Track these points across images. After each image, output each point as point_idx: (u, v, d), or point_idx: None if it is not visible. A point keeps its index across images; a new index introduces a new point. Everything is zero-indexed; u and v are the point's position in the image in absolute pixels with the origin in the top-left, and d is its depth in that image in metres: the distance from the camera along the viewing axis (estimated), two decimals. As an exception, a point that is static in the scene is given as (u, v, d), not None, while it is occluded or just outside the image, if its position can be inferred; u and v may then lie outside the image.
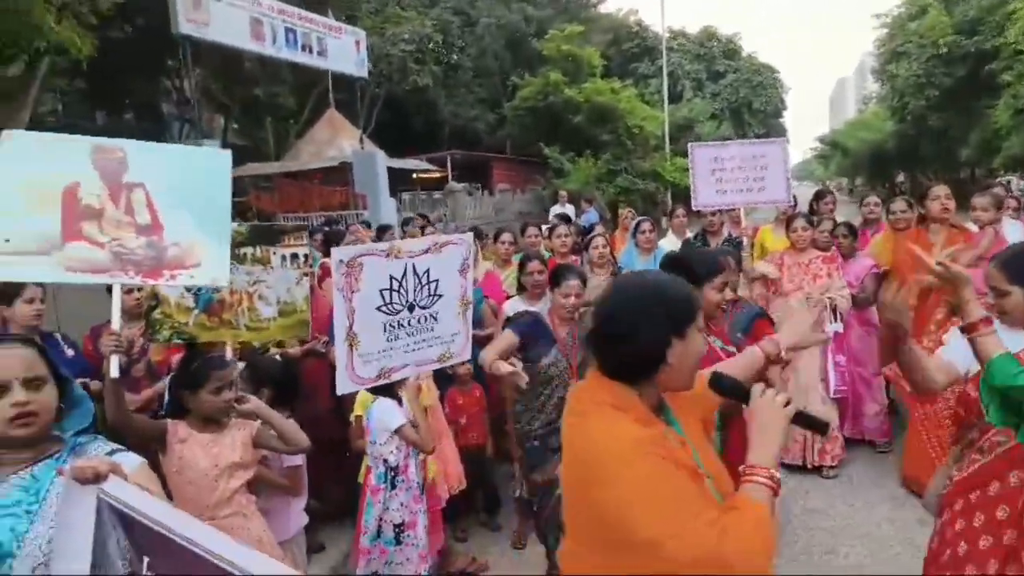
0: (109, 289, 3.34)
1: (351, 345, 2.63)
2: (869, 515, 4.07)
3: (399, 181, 17.78)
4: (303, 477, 3.02)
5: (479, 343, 4.28)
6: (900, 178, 36.85)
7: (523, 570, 3.75)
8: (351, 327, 2.61)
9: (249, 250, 3.58)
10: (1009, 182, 20.21)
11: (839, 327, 4.67)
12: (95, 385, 3.02)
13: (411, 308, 2.75)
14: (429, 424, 3.12)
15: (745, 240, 5.26)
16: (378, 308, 2.66)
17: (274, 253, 3.75)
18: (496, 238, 5.56)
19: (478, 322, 4.35)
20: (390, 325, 2.71)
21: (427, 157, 21.21)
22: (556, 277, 3.45)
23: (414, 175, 20.60)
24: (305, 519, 3.04)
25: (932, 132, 28.62)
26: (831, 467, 4.62)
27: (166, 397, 3.28)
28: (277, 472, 2.93)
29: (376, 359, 2.72)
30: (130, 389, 3.44)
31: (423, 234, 7.32)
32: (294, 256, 3.90)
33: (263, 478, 2.81)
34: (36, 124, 11.31)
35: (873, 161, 39.20)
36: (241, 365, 3.12)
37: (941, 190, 4.46)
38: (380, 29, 20.46)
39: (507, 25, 25.62)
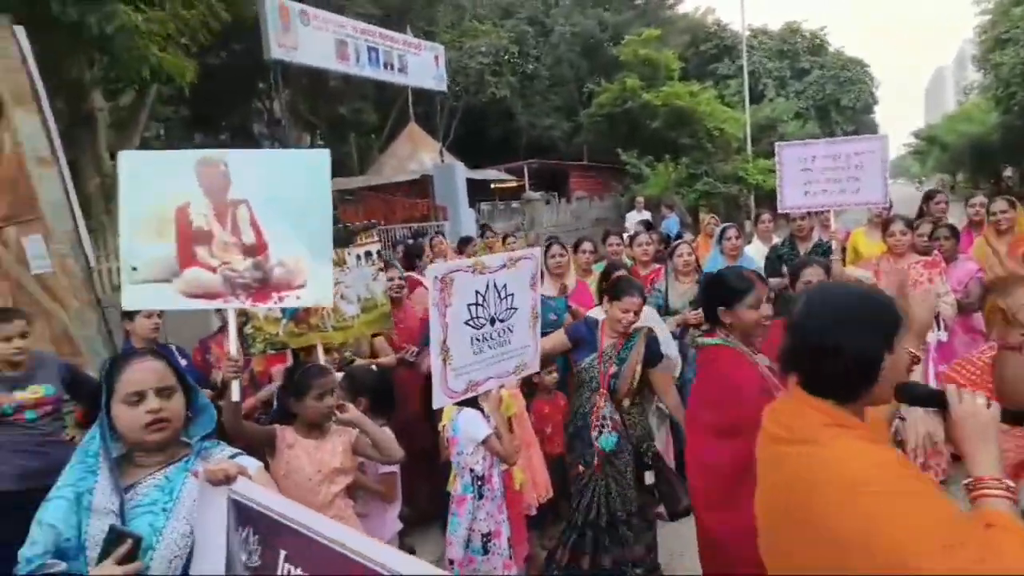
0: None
1: (444, 360, 2.69)
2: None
3: (477, 192, 18.05)
4: (397, 484, 3.12)
5: (565, 330, 4.33)
6: (1007, 172, 34.27)
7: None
8: (444, 341, 2.66)
9: None
10: None
11: (943, 335, 4.41)
12: (207, 394, 3.23)
13: (492, 322, 2.82)
14: (512, 435, 3.15)
15: (835, 244, 5.04)
16: (466, 322, 2.72)
17: (349, 253, 3.91)
18: (576, 247, 5.56)
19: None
20: (476, 339, 2.77)
21: (504, 167, 21.43)
22: (616, 291, 3.41)
23: (492, 185, 20.86)
24: (399, 525, 3.14)
25: (1043, 123, 26.51)
26: (940, 482, 4.35)
27: (275, 404, 3.49)
28: (372, 478, 3.04)
29: (465, 372, 2.78)
30: (236, 398, 3.65)
31: (504, 244, 7.41)
32: (367, 254, 4.06)
33: (360, 484, 2.93)
34: (143, 148, 12.17)
35: (975, 156, 36.61)
36: (339, 375, 3.25)
37: None
38: (457, 43, 20.88)
39: (582, 32, 25.58)
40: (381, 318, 3.96)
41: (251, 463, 1.86)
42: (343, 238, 3.80)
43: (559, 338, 3.50)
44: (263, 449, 2.60)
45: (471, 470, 3.12)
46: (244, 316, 3.64)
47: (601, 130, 22.82)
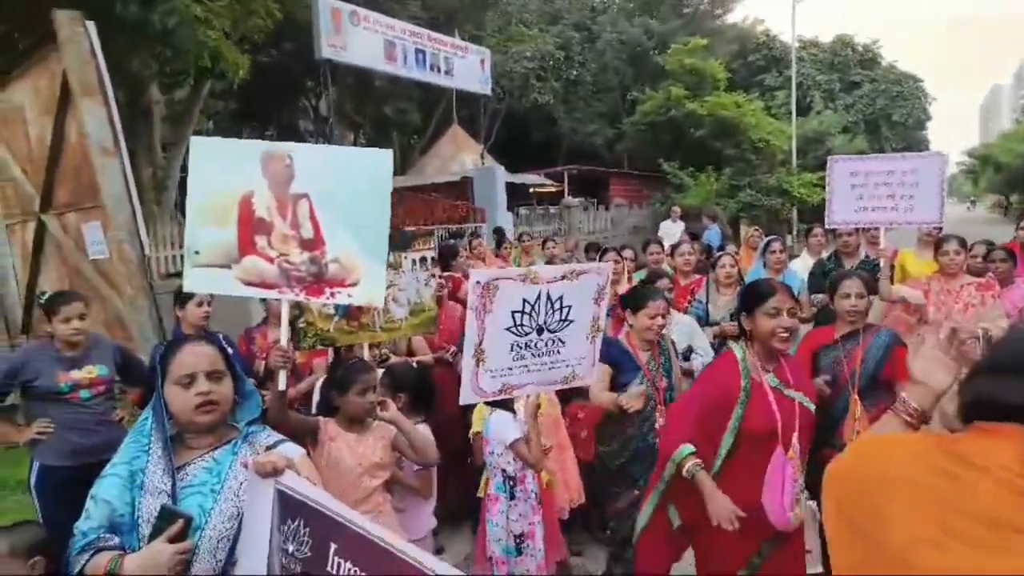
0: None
1: (478, 360, 2.70)
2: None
3: (516, 195, 18.10)
4: (433, 481, 3.16)
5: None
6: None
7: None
8: (480, 343, 2.67)
9: None
10: None
11: (996, 361, 4.27)
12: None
13: (540, 331, 2.78)
14: (540, 442, 3.14)
15: (884, 262, 4.93)
16: (507, 329, 2.71)
17: (405, 257, 3.97)
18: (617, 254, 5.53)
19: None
20: (517, 345, 2.76)
21: (544, 172, 21.43)
22: (638, 300, 3.35)
23: (531, 189, 20.89)
24: (434, 522, 3.17)
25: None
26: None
27: (314, 397, 3.56)
28: (409, 475, 3.08)
29: (500, 375, 2.78)
30: (278, 388, 3.74)
31: (543, 248, 7.44)
32: (422, 260, 4.12)
33: (397, 479, 2.97)
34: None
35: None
36: (379, 371, 3.30)
37: None
38: (504, 47, 20.98)
39: (629, 40, 25.46)
40: (427, 322, 4.02)
41: (295, 450, 1.92)
42: (401, 243, 3.85)
43: (603, 370, 3.24)
44: (305, 439, 2.65)
45: (503, 470, 3.15)
46: (298, 309, 3.71)
47: (644, 138, 22.68)
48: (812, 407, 2.63)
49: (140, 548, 1.64)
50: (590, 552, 4.17)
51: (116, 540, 1.66)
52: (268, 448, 1.85)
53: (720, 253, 5.31)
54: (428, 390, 3.36)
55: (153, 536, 1.62)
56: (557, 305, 2.78)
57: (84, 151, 4.00)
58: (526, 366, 2.81)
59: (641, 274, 5.48)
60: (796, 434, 2.50)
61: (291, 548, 1.58)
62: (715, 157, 20.78)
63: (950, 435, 1.21)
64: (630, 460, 3.28)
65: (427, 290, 3.98)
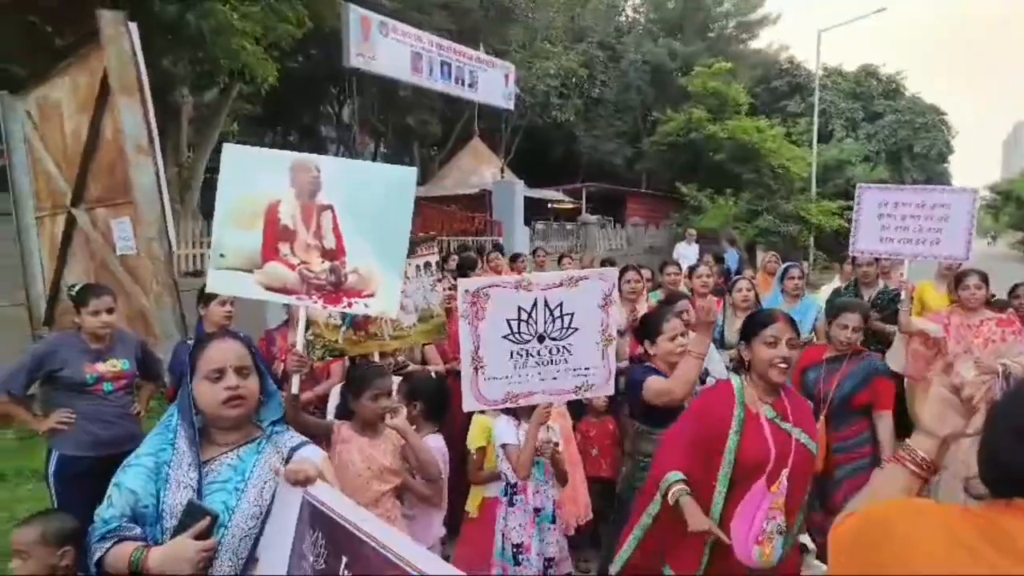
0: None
1: (476, 368, 2.73)
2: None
3: (534, 210, 18.18)
4: (443, 490, 3.17)
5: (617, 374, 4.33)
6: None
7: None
8: (476, 351, 2.70)
9: None
10: None
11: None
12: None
13: (541, 339, 2.78)
14: (530, 455, 3.14)
15: (904, 294, 4.90)
16: (504, 336, 2.73)
17: (409, 264, 3.98)
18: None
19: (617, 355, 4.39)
20: (517, 353, 2.76)
21: (563, 188, 21.53)
22: (652, 327, 3.27)
23: (549, 205, 20.97)
24: (443, 531, 3.18)
25: None
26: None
27: (330, 402, 3.59)
28: (421, 482, 3.10)
29: (502, 383, 2.79)
30: (294, 391, 3.78)
31: (560, 264, 7.48)
32: (427, 265, 4.15)
33: (408, 486, 2.99)
34: (221, 143, 12.71)
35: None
36: (397, 379, 3.33)
37: None
38: (528, 63, 21.15)
39: (652, 61, 25.61)
40: (436, 328, 4.04)
41: (316, 452, 1.94)
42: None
43: (658, 380, 3.13)
44: (318, 441, 2.69)
45: (505, 475, 3.15)
46: (305, 322, 3.76)
47: (663, 158, 22.75)
48: (813, 447, 2.49)
49: (162, 540, 1.66)
50: (597, 569, 4.15)
51: (138, 530, 1.67)
52: (292, 449, 1.87)
53: (737, 277, 5.31)
54: (444, 399, 3.38)
55: (178, 531, 1.64)
56: (557, 312, 2.77)
57: (119, 148, 4.10)
58: (530, 374, 2.80)
59: (657, 293, 5.50)
60: (787, 471, 2.37)
61: (311, 559, 1.60)
62: (734, 181, 20.78)
63: (980, 510, 1.05)
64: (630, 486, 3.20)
65: (433, 295, 4.01)
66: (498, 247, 10.07)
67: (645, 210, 23.62)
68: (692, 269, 5.52)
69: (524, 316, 2.73)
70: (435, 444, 3.06)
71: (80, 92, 4.63)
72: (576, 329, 2.82)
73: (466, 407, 2.81)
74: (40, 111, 5.36)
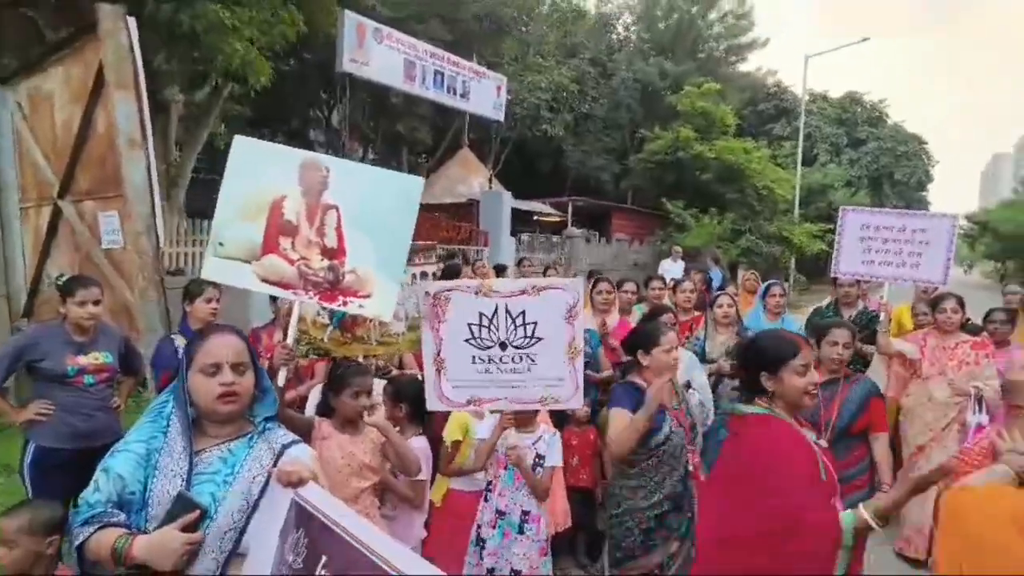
0: (273, 298, 3.66)
1: (438, 370, 2.76)
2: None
3: (520, 222, 18.25)
4: (425, 491, 3.18)
5: (596, 384, 4.37)
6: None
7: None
8: (438, 353, 2.74)
9: None
10: None
11: (983, 419, 4.31)
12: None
13: (503, 346, 2.78)
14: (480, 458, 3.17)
15: (884, 316, 5.00)
16: (466, 340, 2.74)
17: (405, 272, 4.00)
18: (619, 286, 5.62)
19: (594, 366, 4.43)
20: (479, 358, 2.77)
21: (550, 201, 21.64)
22: (649, 337, 3.20)
23: (535, 217, 21.07)
24: (424, 533, 3.18)
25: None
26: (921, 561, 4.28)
27: (310, 399, 3.60)
28: (403, 484, 3.11)
29: (464, 386, 2.81)
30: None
31: (544, 275, 7.52)
32: (423, 274, 4.16)
33: (390, 487, 3.00)
34: (209, 143, 12.64)
35: (1028, 246, 35.80)
36: (380, 383, 3.35)
37: None
38: (519, 76, 21.31)
39: (643, 79, 25.91)
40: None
41: (305, 450, 1.95)
42: None
43: (622, 418, 3.06)
44: (302, 438, 2.70)
45: (486, 471, 3.18)
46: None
47: (649, 176, 22.97)
48: None
49: (146, 527, 1.65)
50: (575, 578, 4.18)
51: (122, 516, 1.66)
52: (283, 446, 1.87)
53: (719, 293, 5.39)
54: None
55: (166, 521, 1.63)
56: (520, 320, 2.76)
57: (111, 142, 4.08)
58: (493, 380, 2.80)
59: (642, 307, 5.56)
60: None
61: (290, 559, 1.61)
62: (718, 200, 21.04)
63: None
64: (670, 510, 3.08)
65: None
66: (500, 269, 10.11)
67: (630, 226, 23.81)
68: (676, 284, 5.59)
69: (485, 322, 2.74)
70: (419, 445, 3.08)
71: (73, 84, 4.61)
72: (540, 339, 2.79)
73: (429, 406, 2.85)
74: (31, 102, 5.33)
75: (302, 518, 1.64)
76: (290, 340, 2.76)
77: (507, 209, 15.37)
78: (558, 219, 21.46)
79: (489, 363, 2.77)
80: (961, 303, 4.70)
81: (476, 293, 2.72)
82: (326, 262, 2.66)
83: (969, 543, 1.60)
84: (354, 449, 2.76)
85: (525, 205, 19.22)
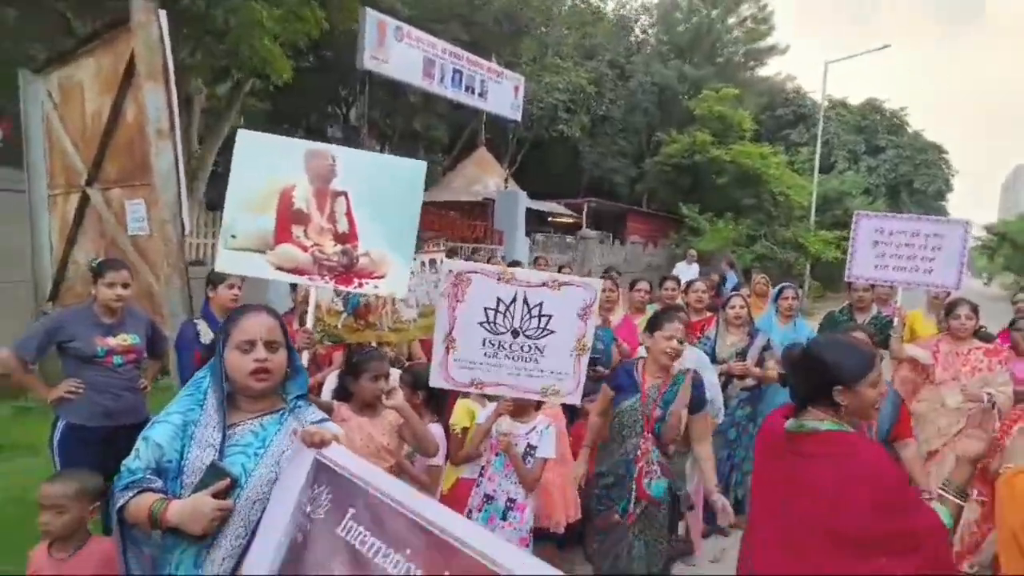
0: (293, 287, 3.73)
1: (448, 348, 2.85)
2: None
3: (534, 222, 18.31)
4: (441, 477, 3.26)
5: (600, 379, 4.43)
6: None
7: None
8: (450, 332, 2.82)
9: None
10: None
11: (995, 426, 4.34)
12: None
13: (515, 334, 2.86)
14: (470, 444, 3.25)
15: (897, 321, 5.02)
16: (480, 323, 2.83)
17: (415, 259, 4.08)
18: (632, 286, 5.68)
19: (606, 363, 4.49)
20: (490, 343, 2.85)
21: (564, 202, 21.68)
22: (657, 321, 3.30)
23: (550, 218, 21.12)
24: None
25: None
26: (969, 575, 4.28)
27: (325, 386, 3.68)
28: (419, 469, 3.18)
29: (470, 367, 2.89)
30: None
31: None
32: (432, 262, 4.25)
33: (405, 471, 3.07)
34: (229, 137, 12.82)
35: (1049, 259, 35.40)
36: (395, 372, 3.43)
37: None
38: (537, 76, 21.36)
39: (661, 82, 25.89)
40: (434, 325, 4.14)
41: (333, 428, 2.02)
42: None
43: (604, 393, 3.33)
44: None
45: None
46: (306, 304, 3.84)
47: (665, 179, 22.97)
48: None
49: (180, 494, 1.74)
50: (583, 570, 4.22)
51: (159, 483, 1.75)
52: (312, 424, 1.93)
53: (731, 294, 5.42)
54: (444, 392, 3.48)
55: (198, 488, 1.72)
56: (536, 312, 2.84)
57: (140, 131, 4.19)
58: (499, 365, 2.88)
59: (654, 306, 5.61)
60: None
61: (308, 510, 1.69)
62: (734, 205, 20.99)
63: None
64: (612, 484, 3.22)
65: (436, 293, 4.10)
66: (515, 264, 10.17)
67: (645, 229, 23.79)
68: (688, 285, 5.64)
69: (502, 308, 2.83)
70: (435, 432, 3.15)
71: (104, 74, 4.73)
72: (552, 332, 2.87)
73: (432, 382, 2.94)
74: (61, 91, 5.46)
75: (325, 475, 1.72)
76: (309, 324, 2.86)
77: (522, 209, 15.43)
78: (572, 220, 21.49)
79: (499, 348, 2.85)
80: (975, 309, 4.70)
81: (498, 279, 2.80)
82: (339, 247, 2.77)
83: None
84: (372, 431, 2.83)
85: (540, 205, 19.27)
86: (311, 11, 10.02)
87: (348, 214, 2.86)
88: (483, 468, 3.23)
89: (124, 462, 1.78)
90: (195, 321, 3.83)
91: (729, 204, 20.95)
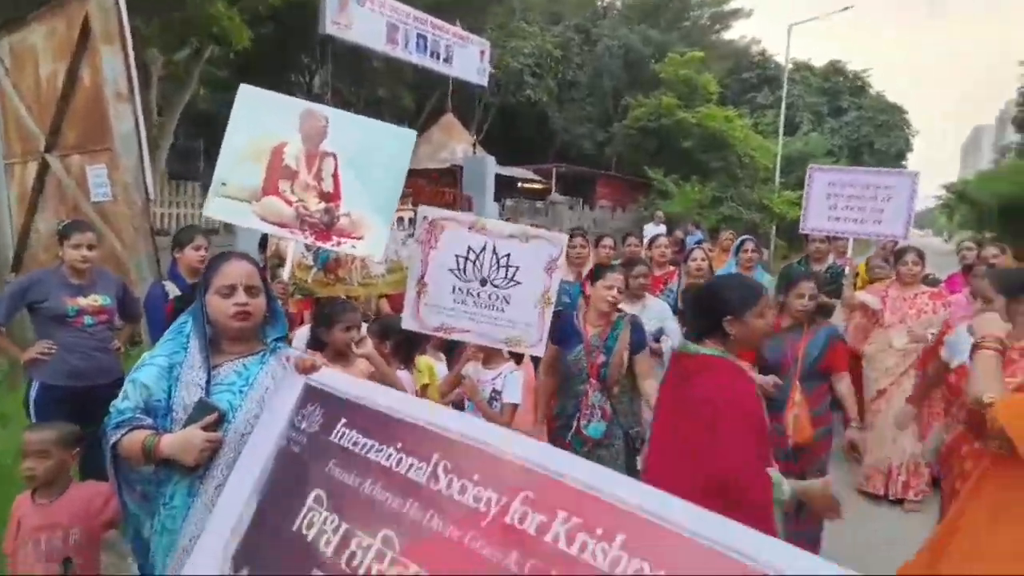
0: (262, 248, 3.79)
1: (419, 292, 2.96)
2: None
3: (504, 188, 18.33)
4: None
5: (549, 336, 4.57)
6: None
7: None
8: (422, 277, 2.94)
9: None
10: None
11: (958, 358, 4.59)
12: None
13: (483, 283, 2.96)
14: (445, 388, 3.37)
15: (848, 270, 5.24)
16: (451, 270, 2.94)
17: None
18: (598, 242, 5.82)
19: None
20: (459, 288, 2.97)
21: (533, 168, 21.69)
22: (597, 273, 3.43)
23: (519, 184, 21.14)
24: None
25: (1075, 189, 26.38)
26: (914, 501, 4.57)
27: (295, 342, 3.76)
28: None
29: (440, 312, 3.00)
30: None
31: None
32: (400, 220, 4.33)
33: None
34: (191, 105, 12.56)
35: (1004, 215, 36.41)
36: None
37: None
38: (503, 41, 21.17)
39: (627, 46, 25.83)
40: (402, 280, 4.22)
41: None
42: None
43: (548, 353, 3.32)
44: None
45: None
46: (278, 259, 3.90)
47: (632, 143, 23.06)
48: None
49: (171, 430, 1.84)
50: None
51: (149, 421, 1.84)
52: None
53: (693, 247, 5.59)
54: (412, 341, 3.57)
55: (187, 424, 1.82)
56: (504, 262, 2.95)
57: (98, 95, 4.15)
58: (467, 312, 2.99)
59: (616, 261, 5.76)
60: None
61: (303, 426, 1.81)
62: (701, 168, 21.20)
63: None
64: (563, 427, 3.36)
65: (404, 249, 4.18)
66: None
67: (614, 193, 23.95)
68: (652, 240, 5.79)
69: (472, 256, 2.93)
70: (404, 378, 3.26)
71: (57, 38, 4.65)
72: (518, 283, 2.98)
73: (404, 325, 3.05)
74: (13, 56, 5.33)
75: (316, 396, 1.85)
76: (286, 276, 2.94)
77: (491, 175, 15.42)
78: (542, 186, 21.54)
79: (467, 295, 2.96)
80: (921, 256, 4.93)
81: (470, 228, 2.91)
82: (323, 205, 2.86)
83: None
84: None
85: (508, 171, 19.27)
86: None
87: (335, 174, 2.94)
88: None
89: (113, 403, 1.87)
90: (163, 282, 3.86)
91: (695, 167, 21.16)
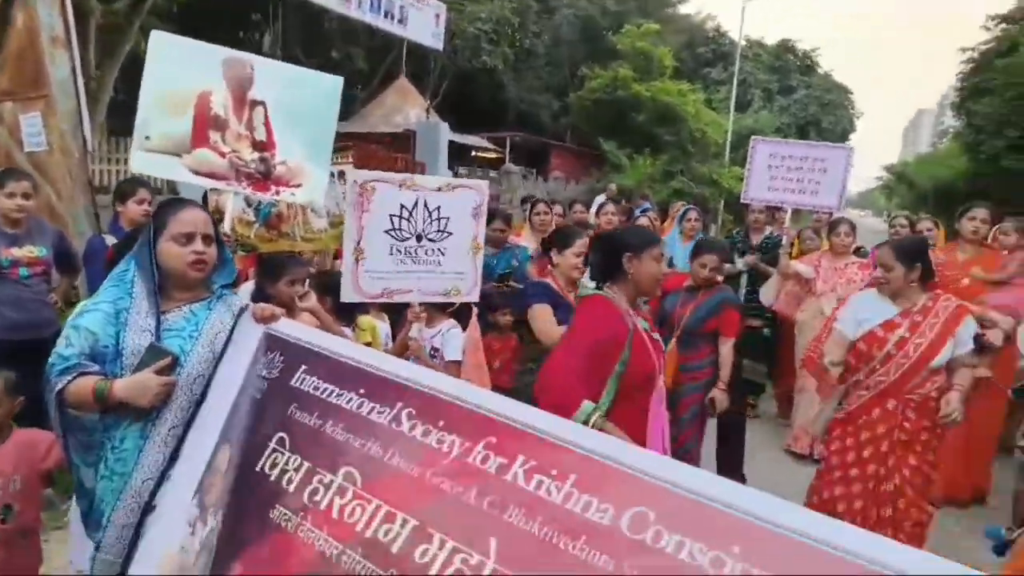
0: (204, 200, 3.77)
1: (357, 259, 2.96)
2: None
3: (457, 156, 18.20)
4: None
5: (514, 294, 4.66)
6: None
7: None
8: (359, 243, 2.94)
9: None
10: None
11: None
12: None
13: (419, 238, 3.01)
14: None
15: (785, 240, 5.46)
16: (386, 231, 2.96)
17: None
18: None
19: (521, 278, 4.72)
20: (396, 249, 2.99)
21: (488, 136, 21.56)
22: (563, 238, 3.46)
23: (472, 152, 21.00)
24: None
25: (1007, 174, 27.60)
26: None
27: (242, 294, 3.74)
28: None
29: (380, 278, 3.02)
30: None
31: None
32: (340, 173, 4.32)
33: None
34: (132, 58, 12.02)
35: (940, 198, 37.98)
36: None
37: (979, 212, 4.45)
38: (459, 5, 20.81)
39: (584, 16, 25.71)
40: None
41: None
42: None
43: (547, 311, 3.35)
44: None
45: None
46: (218, 215, 3.84)
47: (587, 114, 23.10)
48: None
49: (122, 375, 1.84)
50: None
51: (96, 367, 1.83)
52: (241, 309, 2.06)
53: (639, 214, 5.73)
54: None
55: (139, 368, 1.83)
56: (435, 215, 3.01)
57: (32, 39, 3.98)
58: (407, 272, 3.04)
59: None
60: (662, 377, 2.64)
61: (264, 372, 1.85)
62: (654, 142, 21.41)
63: None
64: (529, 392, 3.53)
65: (346, 203, 4.17)
66: None
67: (567, 165, 24.03)
68: (600, 207, 5.90)
69: (405, 214, 2.96)
70: (348, 336, 3.29)
71: (-14, -22, 4.42)
72: (450, 234, 3.06)
73: (344, 297, 3.03)
74: (-63, -4, 5.04)
75: (277, 344, 1.90)
76: (227, 228, 2.91)
77: (444, 141, 15.30)
78: (496, 155, 21.46)
79: (405, 255, 3.00)
80: (853, 228, 5.17)
81: (400, 186, 2.93)
82: (257, 154, 2.81)
83: None
84: None
85: (462, 139, 19.12)
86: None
87: (266, 123, 2.89)
88: None
89: (55, 350, 1.84)
90: (103, 236, 3.78)
91: (648, 140, 21.36)
